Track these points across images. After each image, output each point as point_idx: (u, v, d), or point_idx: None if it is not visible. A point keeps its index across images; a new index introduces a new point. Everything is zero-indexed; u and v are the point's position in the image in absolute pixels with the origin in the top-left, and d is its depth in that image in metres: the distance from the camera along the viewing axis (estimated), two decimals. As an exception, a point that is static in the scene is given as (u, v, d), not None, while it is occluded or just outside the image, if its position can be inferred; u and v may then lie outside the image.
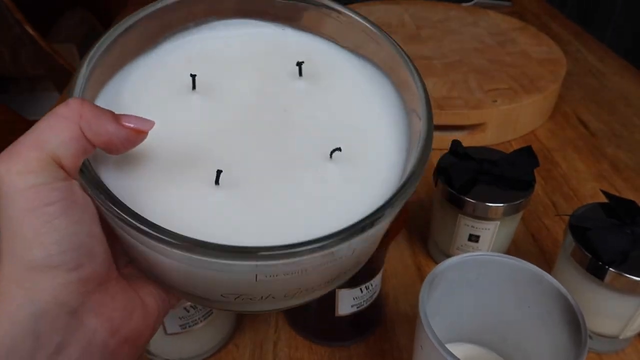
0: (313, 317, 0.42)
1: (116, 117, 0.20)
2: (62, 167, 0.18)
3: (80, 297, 0.19)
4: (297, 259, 0.19)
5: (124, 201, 0.19)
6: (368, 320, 0.43)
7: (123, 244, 0.22)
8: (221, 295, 0.22)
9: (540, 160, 0.46)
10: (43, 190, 0.18)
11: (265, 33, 0.27)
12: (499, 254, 0.34)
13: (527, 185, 0.44)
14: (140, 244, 0.20)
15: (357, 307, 0.40)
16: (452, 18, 0.88)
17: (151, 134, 0.21)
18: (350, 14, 0.26)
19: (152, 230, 0.18)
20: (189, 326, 0.39)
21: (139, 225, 0.18)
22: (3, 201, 0.18)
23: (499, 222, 0.44)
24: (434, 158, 0.64)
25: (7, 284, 0.18)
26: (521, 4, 1.10)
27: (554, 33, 0.96)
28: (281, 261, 0.19)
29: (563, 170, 0.62)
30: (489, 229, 0.44)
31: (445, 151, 0.65)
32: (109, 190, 0.19)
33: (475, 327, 0.39)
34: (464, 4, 1.04)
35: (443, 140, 0.65)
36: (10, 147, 0.18)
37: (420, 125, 0.23)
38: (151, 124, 0.20)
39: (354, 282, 0.38)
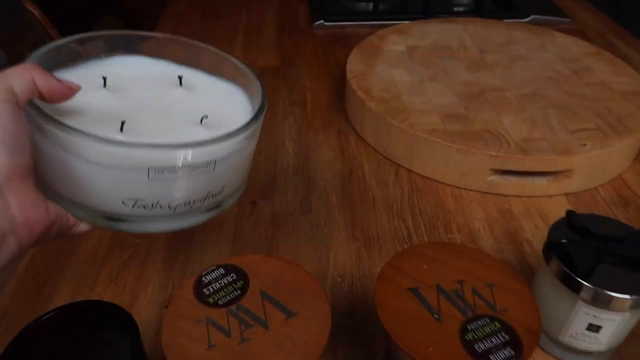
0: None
1: (57, 78, 0.30)
2: (15, 95, 0.27)
3: (8, 177, 0.27)
4: (176, 153, 0.29)
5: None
6: None
7: (41, 167, 0.30)
8: (122, 202, 0.30)
9: (633, 210, 0.40)
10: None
11: (156, 64, 0.40)
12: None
13: (661, 268, 0.37)
14: (61, 149, 0.28)
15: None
16: (516, 40, 0.81)
17: (75, 101, 0.31)
18: (215, 50, 0.39)
19: (73, 130, 0.28)
20: None
21: (59, 123, 0.28)
22: None
23: (628, 314, 0.37)
24: (514, 207, 0.58)
25: None
26: (581, 20, 1.03)
27: (622, 54, 0.89)
28: (167, 152, 0.29)
29: (664, 225, 0.56)
30: (614, 320, 0.38)
31: (526, 198, 0.57)
32: (46, 111, 0.28)
33: None
34: (523, 20, 0.97)
35: (525, 187, 0.59)
36: None
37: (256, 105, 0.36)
38: (78, 86, 0.31)
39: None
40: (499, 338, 0.30)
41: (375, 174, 0.63)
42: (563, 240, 0.39)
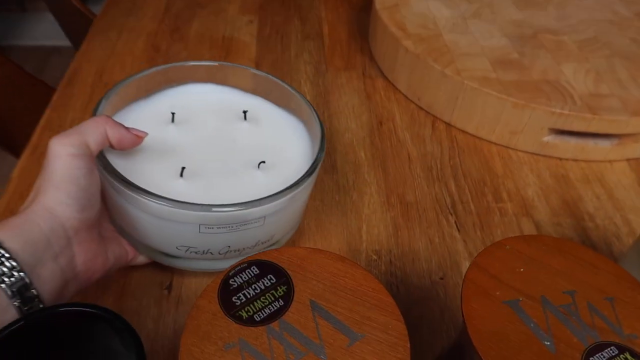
0: None
1: (127, 127, 0.34)
2: (90, 149, 0.32)
3: (76, 230, 0.31)
4: (224, 213, 0.32)
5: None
6: None
7: (111, 208, 0.36)
8: (176, 248, 0.35)
9: None
10: (76, 158, 0.30)
11: (223, 92, 0.44)
12: None
13: None
14: (125, 200, 0.33)
15: None
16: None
17: (142, 144, 0.36)
18: (283, 84, 0.42)
19: (133, 187, 0.32)
20: None
21: (121, 179, 0.32)
22: (51, 160, 0.30)
23: None
24: (570, 173, 0.50)
25: (41, 208, 0.29)
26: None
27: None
28: (214, 214, 0.32)
29: None
30: None
31: (583, 162, 0.49)
32: (113, 166, 0.33)
33: None
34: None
35: (584, 150, 0.51)
36: (65, 131, 0.31)
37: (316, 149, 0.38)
38: (145, 134, 0.36)
39: None
40: (634, 378, 0.23)
41: (408, 126, 0.54)
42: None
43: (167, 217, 0.32)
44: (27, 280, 0.27)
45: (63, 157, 0.30)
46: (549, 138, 0.50)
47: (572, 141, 0.50)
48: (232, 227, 0.33)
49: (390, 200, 0.46)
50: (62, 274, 0.30)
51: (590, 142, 0.50)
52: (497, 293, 0.25)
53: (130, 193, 0.32)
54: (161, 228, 0.34)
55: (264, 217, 0.34)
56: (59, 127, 0.51)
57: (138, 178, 0.33)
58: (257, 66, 0.60)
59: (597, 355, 0.23)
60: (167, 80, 0.42)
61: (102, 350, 0.28)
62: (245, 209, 0.32)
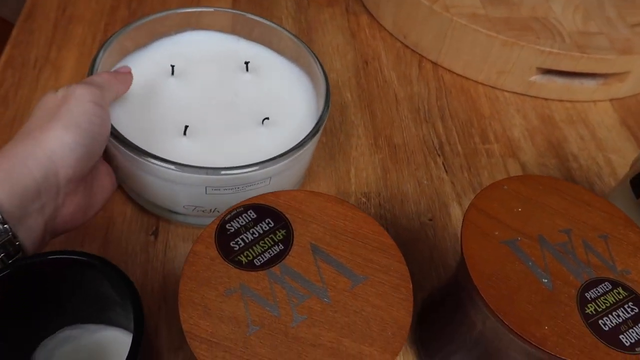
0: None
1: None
2: (106, 103, 0.31)
3: (68, 180, 0.28)
4: (230, 176, 0.31)
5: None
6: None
7: (117, 169, 0.35)
8: (183, 207, 0.35)
9: None
10: (97, 106, 0.30)
11: (224, 41, 0.42)
12: None
13: None
14: (131, 164, 0.33)
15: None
16: None
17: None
18: (283, 31, 0.41)
19: (140, 151, 0.31)
20: None
21: (133, 148, 0.31)
22: (72, 102, 0.29)
23: None
24: (555, 113, 0.50)
25: (39, 150, 0.27)
26: None
27: None
28: (220, 177, 0.31)
29: None
30: None
31: (568, 103, 0.50)
32: (119, 131, 0.32)
33: None
34: None
35: (570, 90, 0.51)
36: (87, 80, 0.32)
37: (321, 102, 0.37)
38: (128, 68, 0.36)
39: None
40: (626, 311, 0.23)
41: (395, 66, 0.52)
42: (664, 171, 0.32)
43: (174, 179, 0.32)
44: (11, 233, 0.25)
45: (85, 102, 0.29)
46: (535, 78, 0.50)
47: (559, 81, 0.50)
48: (238, 188, 0.33)
49: (378, 143, 0.45)
50: (45, 225, 0.28)
51: (576, 82, 0.50)
52: (496, 233, 0.25)
53: (137, 157, 0.31)
54: (168, 189, 0.34)
55: (270, 177, 0.33)
56: (22, 66, 0.47)
57: (142, 137, 0.33)
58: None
59: (592, 290, 0.24)
60: (164, 28, 0.41)
61: (93, 297, 0.27)
62: (251, 171, 0.32)
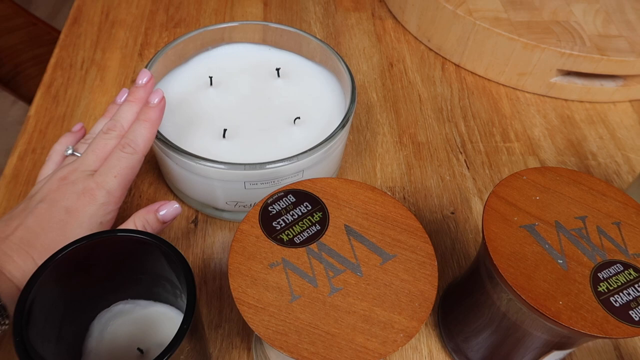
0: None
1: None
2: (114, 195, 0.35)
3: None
4: (266, 170, 0.34)
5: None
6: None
7: (165, 172, 0.40)
8: (225, 203, 0.38)
9: None
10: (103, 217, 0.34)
11: (256, 51, 0.45)
12: None
13: None
14: (177, 165, 0.36)
15: None
16: None
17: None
18: (312, 38, 0.43)
19: (185, 153, 0.35)
20: None
21: (179, 151, 0.35)
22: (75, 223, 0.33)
23: None
24: (576, 114, 0.51)
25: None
26: None
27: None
28: (257, 171, 0.35)
29: None
30: None
31: (588, 104, 0.51)
32: (165, 137, 0.36)
33: None
34: None
35: (590, 91, 0.52)
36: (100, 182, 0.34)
37: (348, 99, 0.39)
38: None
39: (571, 343, 0.29)
40: (636, 290, 0.25)
41: (419, 68, 0.55)
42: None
43: (215, 177, 0.36)
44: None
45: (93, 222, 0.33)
46: (556, 79, 0.52)
47: (579, 82, 0.52)
48: (273, 181, 0.36)
49: (403, 140, 0.48)
50: None
51: (596, 83, 0.52)
52: (515, 218, 0.27)
53: (182, 159, 0.35)
54: (210, 186, 0.37)
55: (302, 170, 0.36)
56: (70, 67, 0.51)
57: (186, 143, 0.37)
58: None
59: (604, 271, 0.26)
60: (202, 44, 0.44)
61: (146, 275, 0.30)
62: (284, 165, 0.34)
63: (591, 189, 0.29)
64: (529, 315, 0.26)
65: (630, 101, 0.53)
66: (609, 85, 0.52)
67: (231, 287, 0.24)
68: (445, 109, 0.51)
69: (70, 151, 0.37)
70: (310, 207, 0.27)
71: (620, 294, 0.25)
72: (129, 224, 0.34)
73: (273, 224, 0.26)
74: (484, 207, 0.28)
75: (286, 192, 0.27)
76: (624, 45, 0.50)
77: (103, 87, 0.50)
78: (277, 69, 0.43)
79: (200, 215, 0.41)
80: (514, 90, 0.53)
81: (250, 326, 0.23)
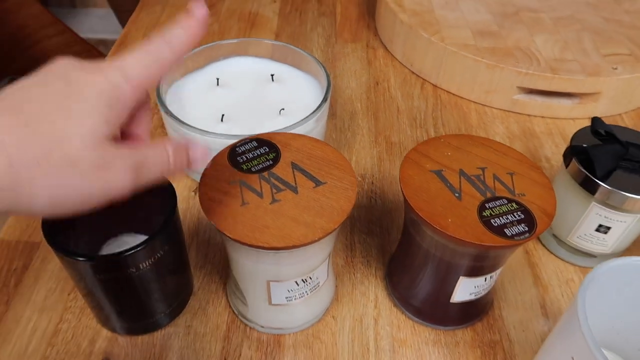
0: (422, 299, 0.39)
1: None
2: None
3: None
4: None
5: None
6: (479, 307, 0.40)
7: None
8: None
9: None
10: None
11: (257, 62, 0.56)
12: (668, 263, 0.30)
13: (677, 177, 0.38)
14: (181, 137, 0.45)
15: (475, 296, 0.37)
16: (557, -36, 0.78)
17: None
18: (301, 51, 0.54)
19: (188, 126, 0.45)
20: (295, 299, 0.36)
21: (184, 124, 0.45)
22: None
23: (638, 216, 0.39)
24: (536, 127, 0.58)
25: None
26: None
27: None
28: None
29: (683, 153, 0.56)
30: (624, 222, 0.39)
31: (549, 119, 0.59)
32: (174, 114, 0.46)
33: (610, 332, 0.35)
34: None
35: (549, 108, 0.59)
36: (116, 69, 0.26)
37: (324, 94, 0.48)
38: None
39: (480, 271, 0.35)
40: (514, 216, 0.32)
41: (401, 86, 0.64)
42: (585, 145, 0.40)
43: (213, 147, 0.37)
44: None
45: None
46: (518, 96, 0.59)
47: (539, 99, 0.59)
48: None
49: (378, 140, 0.56)
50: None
51: (554, 101, 0.59)
52: (427, 166, 0.35)
53: (188, 131, 0.44)
54: (210, 157, 0.43)
55: None
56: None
57: (192, 123, 0.45)
58: (277, 37, 0.71)
59: (491, 203, 0.32)
60: (213, 55, 0.55)
61: (146, 208, 0.38)
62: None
63: (496, 150, 0.36)
64: (433, 239, 0.33)
65: (589, 118, 0.60)
66: (565, 102, 0.59)
67: (200, 192, 0.32)
68: (419, 118, 0.59)
69: None
70: (267, 150, 0.35)
71: (500, 218, 0.32)
72: (158, 147, 0.27)
73: (237, 158, 0.35)
74: (404, 157, 0.35)
75: (251, 139, 0.36)
76: (576, 67, 0.57)
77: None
78: (272, 75, 0.53)
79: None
80: (482, 106, 0.61)
81: (210, 220, 0.31)
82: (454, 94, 0.62)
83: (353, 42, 0.71)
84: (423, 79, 0.65)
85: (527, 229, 0.31)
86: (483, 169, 0.35)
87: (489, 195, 0.33)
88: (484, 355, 0.38)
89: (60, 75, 0.25)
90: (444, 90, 0.63)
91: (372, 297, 0.42)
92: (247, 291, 0.37)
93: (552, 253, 0.45)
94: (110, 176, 0.24)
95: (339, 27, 0.74)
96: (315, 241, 0.30)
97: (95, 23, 2.15)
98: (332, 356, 0.38)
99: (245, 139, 0.36)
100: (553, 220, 0.32)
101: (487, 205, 0.32)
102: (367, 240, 0.46)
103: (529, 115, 0.60)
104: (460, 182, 0.34)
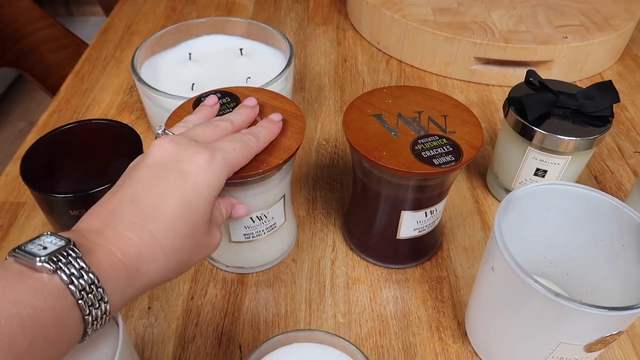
0: (373, 238, 0.42)
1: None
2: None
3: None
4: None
5: None
6: (426, 245, 0.43)
7: (147, 111, 0.53)
8: None
9: (618, 98, 0.44)
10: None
11: (228, 40, 0.60)
12: (578, 185, 0.34)
13: (604, 121, 0.42)
14: (157, 105, 0.50)
15: (419, 232, 0.40)
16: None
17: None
18: (268, 27, 0.58)
19: (160, 92, 0.49)
20: (253, 237, 0.39)
21: (151, 87, 0.50)
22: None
23: (570, 158, 0.42)
24: (494, 95, 0.62)
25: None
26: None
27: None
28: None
29: (631, 114, 0.60)
30: (558, 164, 0.43)
31: (506, 87, 0.62)
32: (147, 82, 0.50)
33: (538, 257, 0.38)
34: None
35: (505, 77, 0.63)
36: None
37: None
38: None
39: (419, 204, 0.38)
40: (443, 149, 0.35)
41: (367, 63, 0.67)
42: (520, 96, 0.44)
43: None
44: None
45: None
46: (476, 67, 0.63)
47: (495, 69, 0.63)
48: None
49: (343, 109, 0.59)
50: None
51: (510, 70, 0.62)
52: (368, 111, 0.38)
53: (158, 96, 0.48)
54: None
55: None
56: (96, 59, 0.67)
57: (165, 90, 0.48)
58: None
59: (423, 139, 0.36)
60: (186, 33, 0.58)
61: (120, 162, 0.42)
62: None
63: (433, 97, 0.40)
64: (373, 175, 0.36)
65: (544, 86, 0.64)
66: (520, 71, 0.62)
67: (167, 124, 0.36)
68: (383, 90, 0.63)
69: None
70: (229, 100, 0.39)
71: (430, 150, 0.35)
72: (217, 213, 0.32)
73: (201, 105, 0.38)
74: (348, 104, 0.39)
75: (215, 91, 0.40)
76: (528, 37, 0.61)
77: (118, 72, 0.65)
78: (241, 49, 0.57)
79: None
80: (443, 77, 0.65)
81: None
82: (417, 68, 0.66)
83: (324, 25, 0.75)
84: (389, 56, 0.68)
85: (453, 159, 0.34)
86: (419, 113, 0.38)
87: (422, 133, 0.37)
88: (431, 289, 0.42)
89: (174, 168, 0.28)
90: (408, 64, 0.67)
91: (330, 242, 0.45)
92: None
93: (499, 201, 0.49)
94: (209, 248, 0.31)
95: (311, 12, 0.78)
96: (260, 173, 0.33)
97: (92, 31, 2.20)
98: (291, 293, 0.41)
99: (210, 91, 0.40)
100: (478, 152, 0.35)
101: (419, 141, 0.36)
102: (328, 195, 0.49)
103: (487, 84, 0.64)
104: (397, 123, 0.37)
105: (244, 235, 0.39)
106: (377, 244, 0.42)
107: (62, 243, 0.22)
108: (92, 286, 0.22)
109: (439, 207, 0.39)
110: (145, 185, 0.27)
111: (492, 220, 0.47)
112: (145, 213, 0.26)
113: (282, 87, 0.50)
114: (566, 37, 0.61)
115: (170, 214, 0.27)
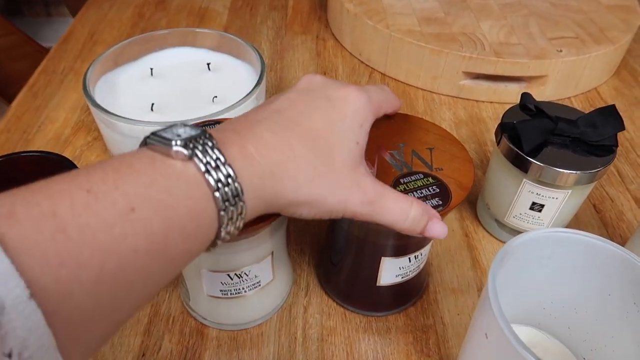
0: (350, 284, 0.37)
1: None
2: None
3: None
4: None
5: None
6: (410, 290, 0.38)
7: (107, 139, 0.48)
8: None
9: (621, 123, 0.40)
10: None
11: (194, 53, 0.54)
12: (584, 233, 0.29)
13: (607, 151, 0.38)
14: (115, 132, 0.45)
15: (402, 278, 0.36)
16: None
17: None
18: (238, 39, 0.52)
19: (115, 116, 0.43)
20: (232, 294, 0.34)
21: (107, 112, 0.43)
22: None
23: (569, 192, 0.38)
24: (484, 112, 0.58)
25: None
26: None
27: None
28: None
29: (630, 134, 0.56)
30: (556, 198, 0.38)
31: (497, 104, 0.58)
32: (101, 106, 0.44)
33: (536, 308, 0.34)
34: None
35: (496, 92, 0.59)
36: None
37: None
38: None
39: (402, 250, 0.33)
40: (429, 190, 0.30)
41: (348, 75, 0.63)
42: (514, 122, 0.39)
43: (138, 135, 0.39)
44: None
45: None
46: (465, 82, 0.58)
47: (485, 84, 0.58)
48: None
49: (322, 129, 0.55)
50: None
51: (501, 85, 0.58)
52: (344, 143, 0.33)
53: (117, 122, 0.42)
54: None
55: None
56: (52, 72, 0.61)
57: (122, 114, 0.43)
58: (226, 31, 0.70)
59: (406, 177, 0.31)
60: (148, 47, 0.52)
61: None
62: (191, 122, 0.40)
63: (418, 126, 0.35)
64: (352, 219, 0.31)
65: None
66: (512, 87, 0.58)
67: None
68: (365, 106, 0.58)
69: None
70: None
71: (414, 192, 0.30)
72: (404, 199, 0.27)
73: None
74: (321, 135, 0.34)
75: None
76: (520, 51, 0.57)
77: (76, 87, 0.59)
78: (208, 64, 0.52)
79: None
80: (430, 92, 0.60)
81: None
82: (402, 82, 0.61)
83: (303, 34, 0.70)
84: (372, 68, 0.64)
85: (440, 202, 0.30)
86: (402, 145, 0.34)
87: (405, 170, 0.32)
88: (416, 340, 0.37)
89: (321, 94, 0.27)
90: (392, 78, 0.62)
91: (303, 286, 0.40)
92: (187, 278, 0.35)
93: (492, 235, 0.44)
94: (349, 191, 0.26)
95: (289, 20, 0.73)
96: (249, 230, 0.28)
97: (69, 32, 2.13)
98: (257, 347, 0.36)
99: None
100: (469, 192, 0.31)
101: (402, 180, 0.31)
102: (303, 229, 0.44)
103: (476, 100, 0.59)
104: (376, 159, 0.33)
105: (221, 291, 0.34)
106: (355, 290, 0.37)
107: (197, 132, 0.22)
108: (228, 179, 0.21)
109: (424, 250, 0.35)
110: (290, 102, 0.27)
111: (483, 258, 0.43)
112: (286, 121, 0.25)
113: (253, 106, 0.45)
114: (561, 51, 0.57)
115: (311, 125, 0.25)
